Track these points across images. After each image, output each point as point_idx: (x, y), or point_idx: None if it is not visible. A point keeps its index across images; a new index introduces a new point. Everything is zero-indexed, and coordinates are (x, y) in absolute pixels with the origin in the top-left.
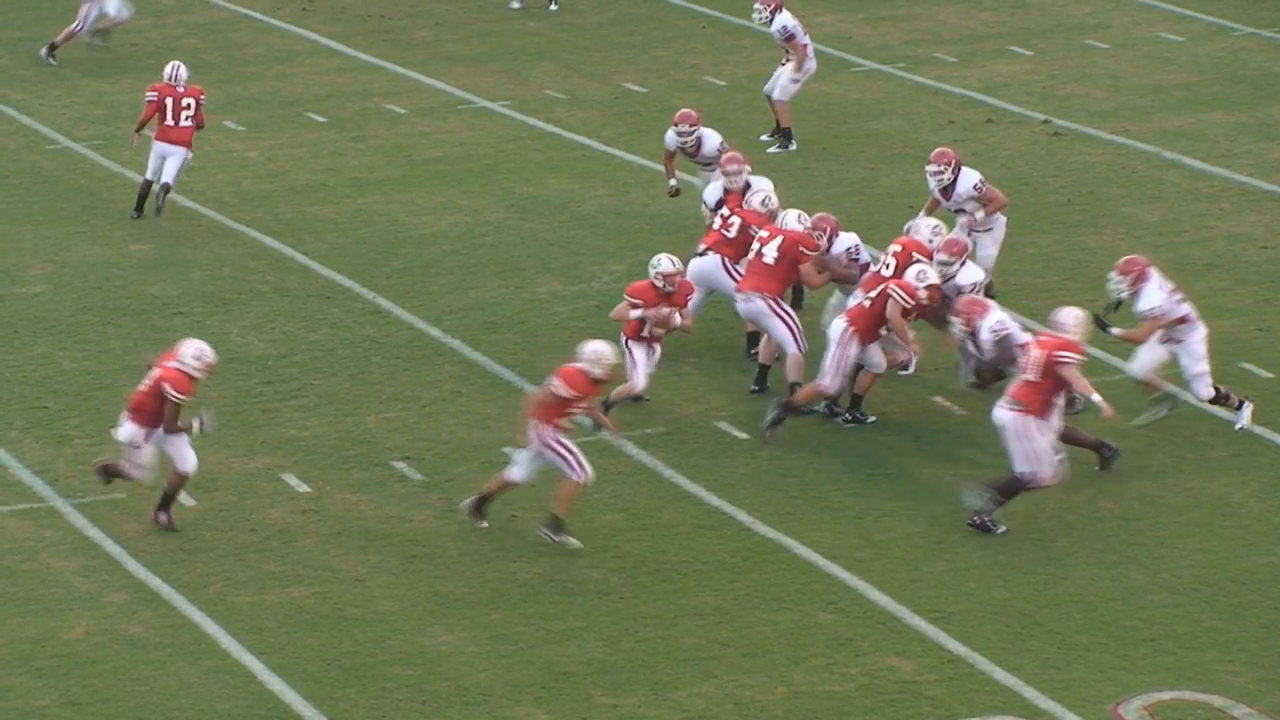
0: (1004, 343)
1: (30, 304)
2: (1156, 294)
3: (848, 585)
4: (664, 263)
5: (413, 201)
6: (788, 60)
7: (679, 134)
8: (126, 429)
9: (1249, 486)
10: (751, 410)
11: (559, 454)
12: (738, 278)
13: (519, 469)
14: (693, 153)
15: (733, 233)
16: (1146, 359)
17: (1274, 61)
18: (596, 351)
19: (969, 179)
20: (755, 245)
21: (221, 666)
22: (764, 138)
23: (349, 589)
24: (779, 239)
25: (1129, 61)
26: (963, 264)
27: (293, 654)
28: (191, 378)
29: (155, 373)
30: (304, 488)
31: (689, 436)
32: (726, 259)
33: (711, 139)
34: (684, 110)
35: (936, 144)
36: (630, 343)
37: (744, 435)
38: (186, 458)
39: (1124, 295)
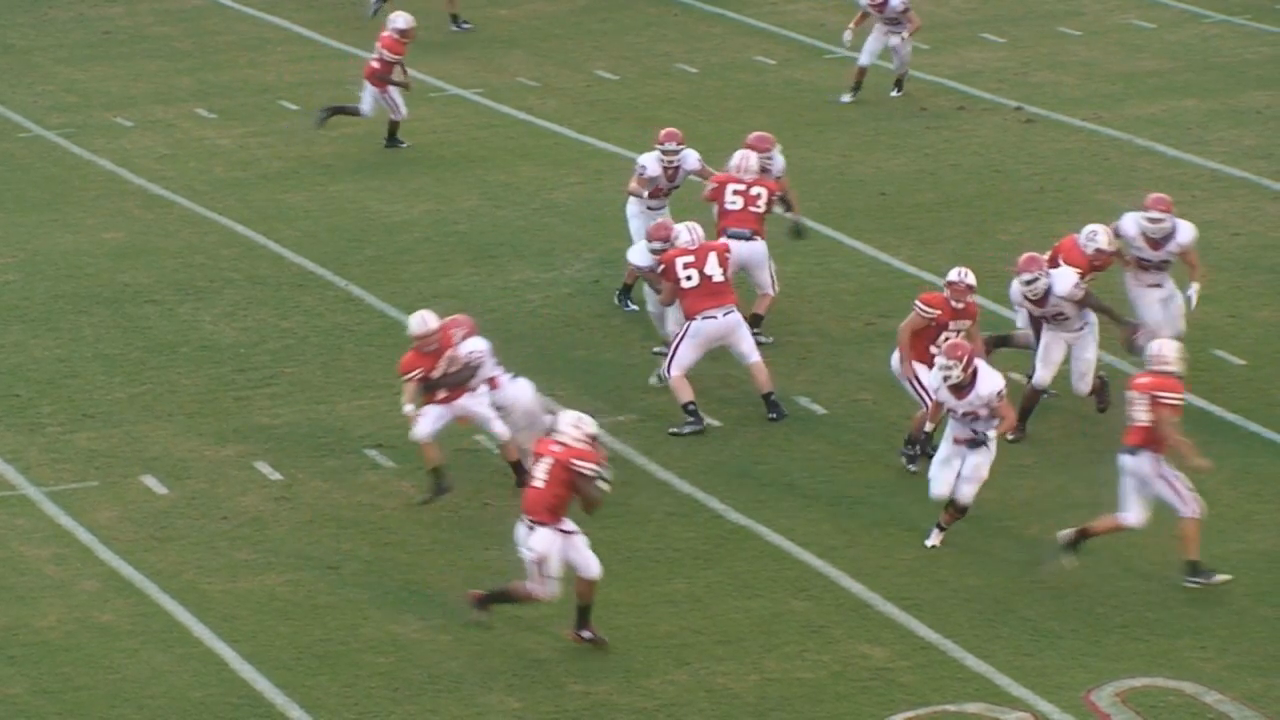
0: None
1: (1, 292)
2: (996, 377)
3: (820, 572)
4: (414, 323)
5: (385, 189)
6: (892, 33)
7: (665, 153)
8: (541, 537)
9: (1221, 473)
10: (723, 398)
11: (1170, 485)
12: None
13: (1134, 511)
14: (672, 175)
15: (762, 206)
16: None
17: (1246, 48)
18: (1163, 350)
19: (1186, 231)
20: (687, 274)
21: (193, 654)
22: (848, 98)
23: (321, 577)
24: (713, 253)
25: (1101, 48)
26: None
27: (265, 642)
28: (590, 451)
29: (546, 461)
30: (276, 475)
31: (660, 424)
32: (764, 240)
33: (691, 158)
34: (669, 129)
35: (909, 131)
36: (442, 408)
37: (716, 422)
38: (590, 561)
39: (956, 379)
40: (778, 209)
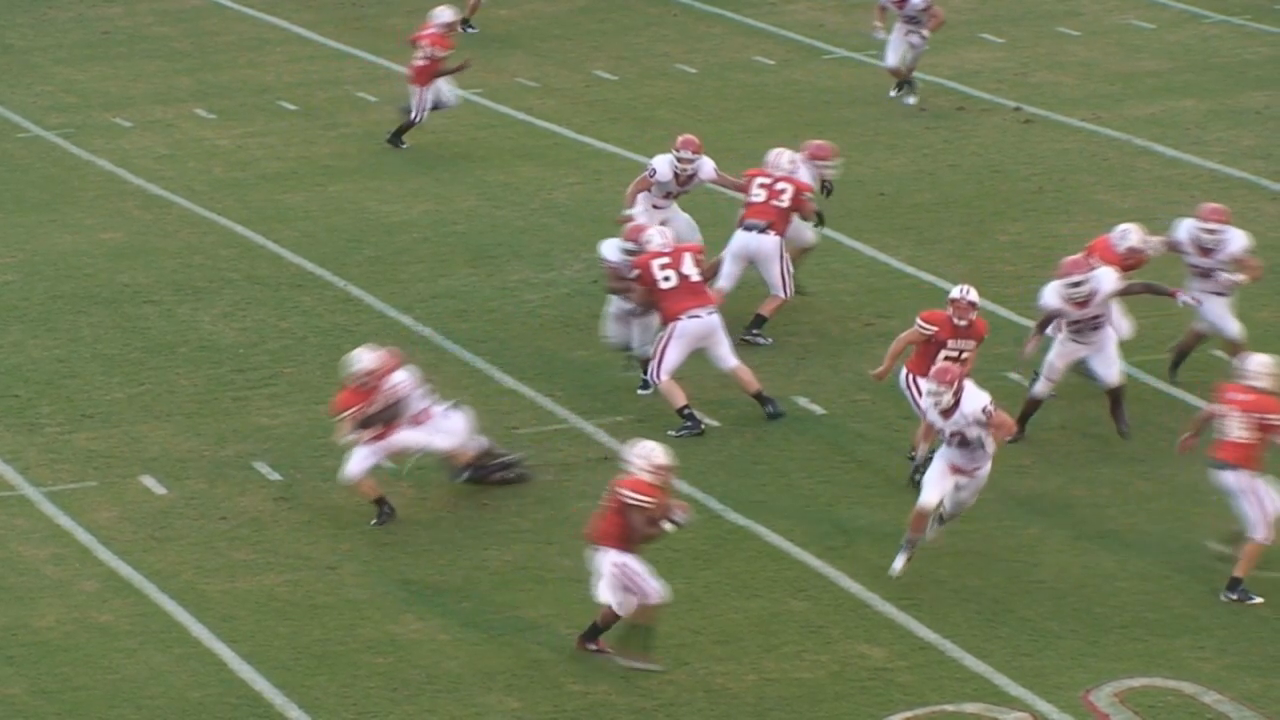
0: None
1: (0, 292)
2: (980, 396)
3: (818, 572)
4: (355, 360)
5: (384, 189)
6: (912, 32)
7: (680, 159)
8: (608, 557)
9: None
10: (721, 398)
11: (1256, 504)
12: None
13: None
14: (684, 181)
15: (785, 201)
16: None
17: (1244, 48)
18: (1254, 363)
19: (1238, 240)
20: (665, 275)
21: (192, 654)
22: (895, 94)
23: (320, 577)
24: (688, 254)
25: (1100, 49)
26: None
27: (263, 642)
28: (646, 482)
29: (611, 488)
30: (275, 476)
31: (660, 424)
32: (782, 240)
33: (708, 166)
34: (687, 136)
35: (908, 132)
36: (372, 448)
37: (715, 422)
38: (626, 600)
39: (946, 404)
40: (810, 222)
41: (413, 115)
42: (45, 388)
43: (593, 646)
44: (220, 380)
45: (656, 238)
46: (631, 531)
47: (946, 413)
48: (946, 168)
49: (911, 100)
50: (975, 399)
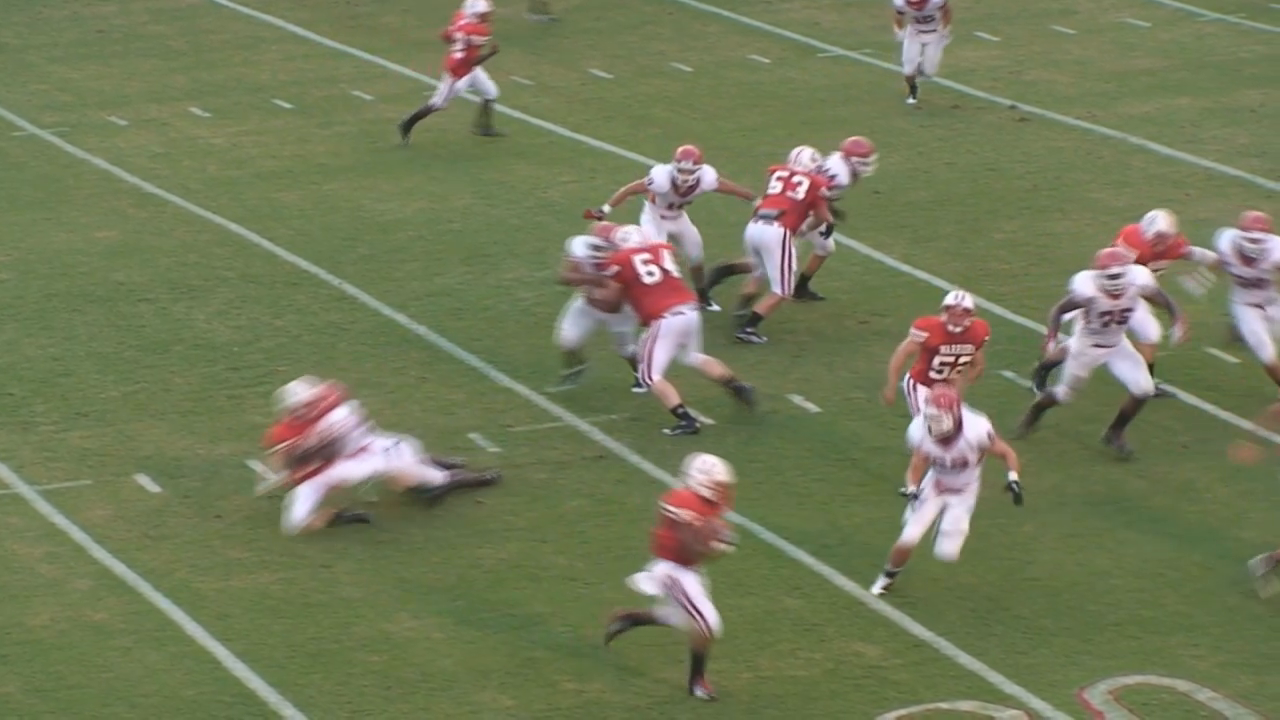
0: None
1: None
2: (980, 420)
3: (813, 570)
4: (299, 393)
5: (379, 188)
6: (927, 31)
7: (681, 170)
8: (659, 568)
9: (1214, 471)
10: (717, 397)
11: None
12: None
13: None
14: (685, 192)
15: (800, 194)
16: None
17: (1240, 46)
18: None
19: None
20: (649, 270)
21: (187, 653)
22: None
23: (315, 575)
24: (665, 251)
25: (1095, 47)
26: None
27: (258, 640)
28: (699, 497)
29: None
30: (270, 474)
31: (654, 422)
32: (789, 233)
33: (710, 175)
34: (687, 147)
35: (903, 130)
36: (307, 486)
37: (709, 420)
38: (672, 615)
39: (947, 429)
40: (820, 233)
41: (434, 100)
42: (40, 386)
43: (616, 627)
44: (215, 378)
45: (634, 235)
46: (682, 546)
47: (947, 441)
48: (942, 166)
49: (911, 101)
50: (977, 425)
